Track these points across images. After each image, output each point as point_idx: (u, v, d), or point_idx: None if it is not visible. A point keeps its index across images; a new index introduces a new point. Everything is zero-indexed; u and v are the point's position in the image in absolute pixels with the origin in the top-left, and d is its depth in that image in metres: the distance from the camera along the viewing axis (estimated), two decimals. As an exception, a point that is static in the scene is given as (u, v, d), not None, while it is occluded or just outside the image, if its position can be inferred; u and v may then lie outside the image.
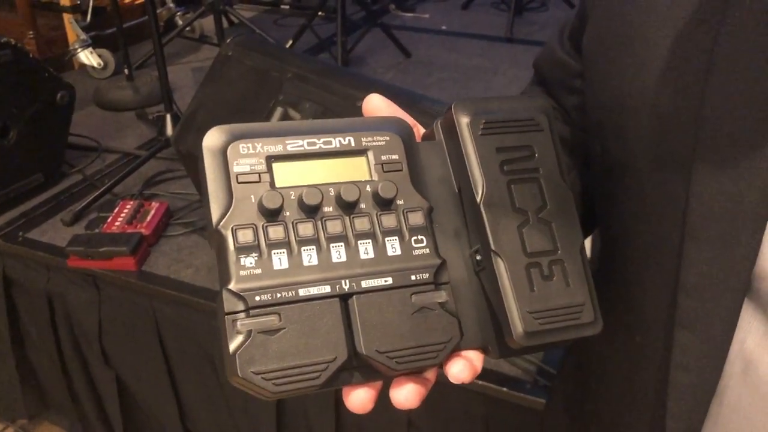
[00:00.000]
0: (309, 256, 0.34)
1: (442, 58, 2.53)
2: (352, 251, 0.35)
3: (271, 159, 0.35)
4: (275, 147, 0.36)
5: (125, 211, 1.39)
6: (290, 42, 2.42)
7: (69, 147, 1.66)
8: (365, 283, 0.34)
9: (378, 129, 0.38)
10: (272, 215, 0.34)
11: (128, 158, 1.70)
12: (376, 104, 0.42)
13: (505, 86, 2.26)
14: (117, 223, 1.36)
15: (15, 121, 1.45)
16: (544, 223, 0.37)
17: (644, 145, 0.42)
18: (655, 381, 0.44)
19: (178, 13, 2.66)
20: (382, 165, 0.37)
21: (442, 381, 0.37)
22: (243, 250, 0.33)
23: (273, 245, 0.33)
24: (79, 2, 2.29)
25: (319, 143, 0.36)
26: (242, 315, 0.32)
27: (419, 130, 0.42)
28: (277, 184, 0.35)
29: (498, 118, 0.39)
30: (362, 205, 0.36)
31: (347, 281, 0.34)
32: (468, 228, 0.38)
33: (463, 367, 0.35)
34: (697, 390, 0.40)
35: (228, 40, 1.28)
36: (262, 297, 0.32)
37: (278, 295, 0.33)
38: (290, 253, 0.34)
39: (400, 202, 0.36)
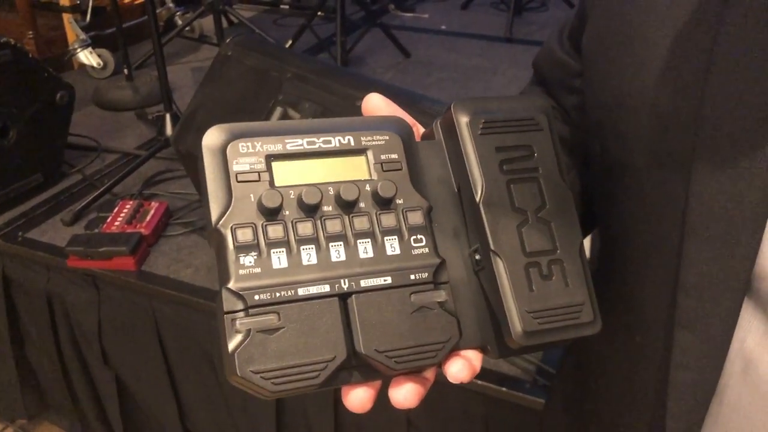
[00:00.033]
0: (308, 255, 0.34)
1: (441, 58, 2.53)
2: (351, 250, 0.35)
3: (270, 158, 0.35)
4: (275, 146, 0.36)
5: (125, 211, 1.39)
6: (290, 42, 2.42)
7: (68, 147, 1.66)
8: (364, 283, 0.34)
9: (377, 128, 0.38)
10: (271, 214, 0.34)
11: (128, 158, 1.70)
12: (376, 104, 0.42)
13: (504, 86, 2.26)
14: (116, 223, 1.36)
15: (15, 121, 1.45)
16: (544, 223, 0.37)
17: (644, 145, 0.42)
18: (655, 380, 0.44)
19: (178, 13, 2.66)
20: (381, 164, 0.37)
21: (442, 380, 0.37)
22: (242, 249, 0.33)
23: (272, 244, 0.33)
24: (78, 2, 2.29)
25: (319, 142, 0.36)
26: (241, 314, 0.32)
27: (419, 130, 0.42)
28: (277, 183, 0.35)
29: (497, 117, 0.39)
30: (361, 205, 0.36)
31: (346, 280, 0.34)
32: (467, 227, 0.38)
33: (461, 367, 0.35)
34: (697, 389, 0.40)
35: (227, 40, 1.28)
36: (262, 296, 0.32)
37: (277, 294, 0.33)
38: (289, 252, 0.34)
39: (399, 201, 0.36)
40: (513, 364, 1.08)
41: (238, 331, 0.32)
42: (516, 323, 0.35)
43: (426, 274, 0.35)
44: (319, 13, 2.64)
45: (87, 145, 1.76)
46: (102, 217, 1.39)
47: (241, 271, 0.33)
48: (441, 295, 0.35)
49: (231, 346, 0.31)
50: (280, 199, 0.34)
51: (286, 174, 0.35)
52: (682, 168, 0.39)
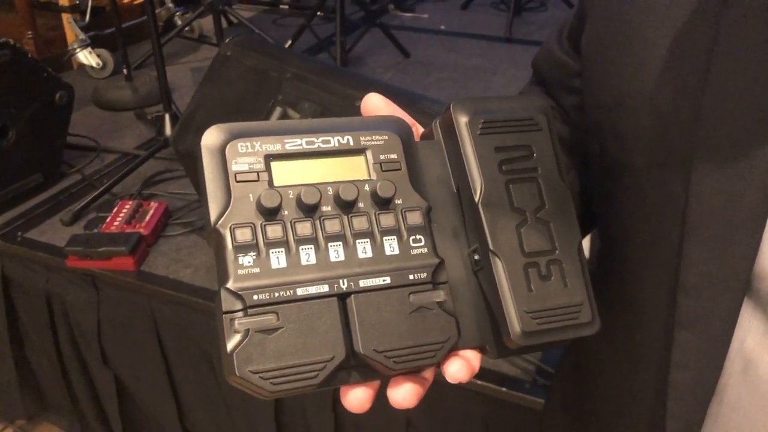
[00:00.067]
0: (307, 255, 0.34)
1: (441, 58, 2.53)
2: (350, 250, 0.35)
3: (269, 158, 0.35)
4: (274, 146, 0.35)
5: (124, 211, 1.39)
6: (289, 42, 2.42)
7: (68, 147, 1.66)
8: (363, 283, 0.34)
9: (377, 128, 0.38)
10: (270, 214, 0.34)
11: (127, 158, 1.70)
12: (375, 103, 0.42)
13: (504, 86, 2.26)
14: (116, 223, 1.36)
15: (14, 121, 1.45)
16: (543, 223, 0.37)
17: (643, 145, 0.42)
18: (655, 380, 0.44)
19: (177, 13, 2.66)
20: (380, 164, 0.37)
21: (441, 380, 0.37)
22: (241, 249, 0.33)
23: (271, 244, 0.33)
24: (78, 2, 2.29)
25: (318, 142, 0.36)
26: (240, 314, 0.32)
27: (418, 130, 0.42)
28: (276, 183, 0.35)
29: (497, 117, 0.39)
30: (360, 205, 0.35)
31: (345, 280, 0.34)
32: (466, 227, 0.38)
33: (460, 367, 0.35)
34: (696, 389, 0.40)
35: (227, 40, 1.28)
36: (260, 296, 0.32)
37: (276, 294, 0.32)
38: (288, 252, 0.34)
39: (398, 201, 0.36)
40: (512, 364, 1.08)
41: (236, 331, 0.32)
42: (515, 323, 0.35)
43: (425, 274, 0.35)
44: (318, 13, 2.64)
45: (86, 145, 1.76)
46: (101, 217, 1.39)
47: (239, 271, 0.33)
48: (440, 295, 0.35)
49: (230, 346, 0.31)
50: (279, 199, 0.34)
51: (285, 174, 0.35)
52: (681, 168, 0.39)
